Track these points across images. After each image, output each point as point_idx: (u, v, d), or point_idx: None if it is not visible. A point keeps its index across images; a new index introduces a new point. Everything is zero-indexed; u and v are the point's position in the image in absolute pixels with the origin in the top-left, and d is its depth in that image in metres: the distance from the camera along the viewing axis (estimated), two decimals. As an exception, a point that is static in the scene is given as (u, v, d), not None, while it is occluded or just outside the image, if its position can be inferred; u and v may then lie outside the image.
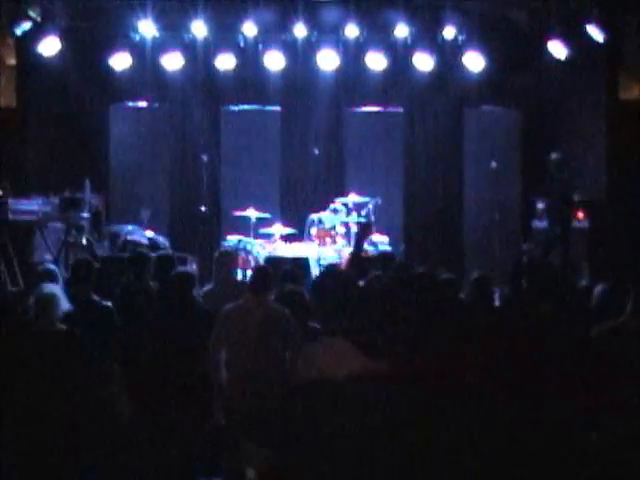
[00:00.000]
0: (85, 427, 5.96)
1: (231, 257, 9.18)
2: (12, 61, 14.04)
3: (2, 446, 5.80)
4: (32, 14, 13.06)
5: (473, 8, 14.31)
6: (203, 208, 14.06)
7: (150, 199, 14.89)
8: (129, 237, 13.34)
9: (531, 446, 5.13)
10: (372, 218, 13.89)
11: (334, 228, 13.64)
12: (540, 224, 13.54)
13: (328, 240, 13.52)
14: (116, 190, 15.21)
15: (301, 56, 14.86)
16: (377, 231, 13.87)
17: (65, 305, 6.67)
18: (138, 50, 14.49)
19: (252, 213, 13.69)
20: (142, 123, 15.45)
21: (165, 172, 15.46)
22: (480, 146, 15.41)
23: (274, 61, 14.69)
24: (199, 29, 14.29)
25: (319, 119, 15.42)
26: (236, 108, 15.56)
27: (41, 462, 5.85)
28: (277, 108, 15.55)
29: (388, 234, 14.05)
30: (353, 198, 13.95)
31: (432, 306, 5.99)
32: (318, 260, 12.94)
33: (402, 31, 14.42)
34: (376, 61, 14.70)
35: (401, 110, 15.66)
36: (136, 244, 13.02)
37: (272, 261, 11.66)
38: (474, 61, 14.54)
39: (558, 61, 14.05)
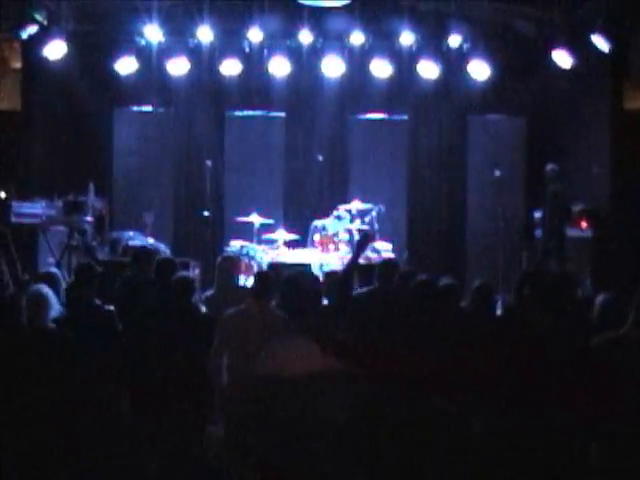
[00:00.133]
0: (75, 427, 5.95)
1: (233, 262, 9.17)
2: (18, 64, 14.05)
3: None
4: (38, 18, 13.07)
5: (478, 16, 14.31)
6: (206, 213, 14.06)
7: (154, 203, 14.89)
8: (130, 242, 13.35)
9: (530, 456, 5.12)
10: (375, 225, 13.91)
11: (337, 235, 13.64)
12: (539, 234, 13.57)
13: (331, 247, 13.52)
14: (120, 194, 15.24)
15: (306, 62, 14.89)
16: (381, 238, 13.89)
17: (56, 307, 6.68)
18: (143, 54, 14.51)
19: (255, 219, 13.70)
20: (147, 127, 15.50)
21: (169, 177, 15.49)
22: (484, 154, 15.42)
23: (279, 67, 14.71)
24: (205, 34, 14.31)
25: (323, 125, 15.44)
26: (241, 113, 15.60)
27: (33, 461, 5.86)
28: (282, 114, 15.58)
29: (392, 241, 14.05)
30: (357, 205, 13.95)
31: (432, 313, 5.99)
32: (321, 266, 12.93)
33: (407, 39, 14.44)
34: (381, 68, 14.72)
35: (406, 117, 15.69)
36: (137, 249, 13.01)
37: (274, 267, 11.64)
38: (479, 69, 14.55)
39: (563, 70, 14.05)
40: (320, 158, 14.59)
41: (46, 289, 6.67)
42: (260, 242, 13.65)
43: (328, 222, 13.76)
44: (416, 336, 6.00)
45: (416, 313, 6.14)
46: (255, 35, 14.34)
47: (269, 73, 14.84)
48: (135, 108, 15.47)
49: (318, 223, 13.82)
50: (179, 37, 14.52)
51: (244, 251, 13.33)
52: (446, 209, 15.54)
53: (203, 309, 7.97)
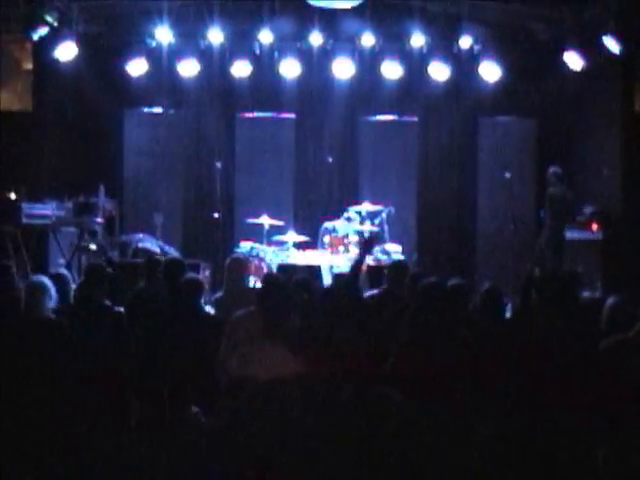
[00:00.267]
0: (76, 421, 5.97)
1: (242, 264, 9.17)
2: (29, 65, 14.12)
3: None
4: (49, 19, 13.09)
5: (489, 18, 14.29)
6: (216, 215, 14.07)
7: (164, 205, 14.92)
8: (140, 245, 13.36)
9: (538, 458, 5.11)
10: (385, 227, 13.90)
11: (347, 236, 13.62)
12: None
13: (341, 248, 13.50)
14: (130, 195, 15.26)
15: (317, 64, 14.87)
16: (391, 240, 13.88)
17: (54, 298, 6.72)
18: (154, 56, 14.52)
19: (266, 220, 13.68)
20: (157, 129, 15.51)
21: (179, 178, 15.50)
22: (495, 156, 15.40)
23: (290, 69, 14.71)
24: (215, 36, 14.32)
25: (334, 127, 15.44)
26: (251, 115, 15.60)
27: (32, 453, 5.87)
28: (292, 116, 15.58)
29: (401, 243, 14.03)
30: (367, 207, 13.93)
31: (440, 315, 5.97)
32: (330, 268, 12.93)
33: (418, 40, 14.41)
34: (391, 70, 14.69)
35: (416, 119, 15.67)
36: (147, 252, 13.04)
37: (284, 269, 11.65)
38: (490, 71, 14.52)
39: (574, 72, 14.01)
40: (330, 160, 14.58)
41: (45, 279, 6.72)
42: (270, 243, 13.64)
43: (338, 224, 13.75)
44: (424, 338, 5.99)
45: (424, 315, 6.13)
46: (265, 37, 14.34)
47: (279, 75, 14.84)
48: (145, 109, 15.50)
49: (328, 225, 13.80)
50: (190, 39, 14.52)
51: (254, 252, 13.32)
52: (456, 211, 15.51)
53: (212, 311, 7.98)
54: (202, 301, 7.57)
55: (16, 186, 12.38)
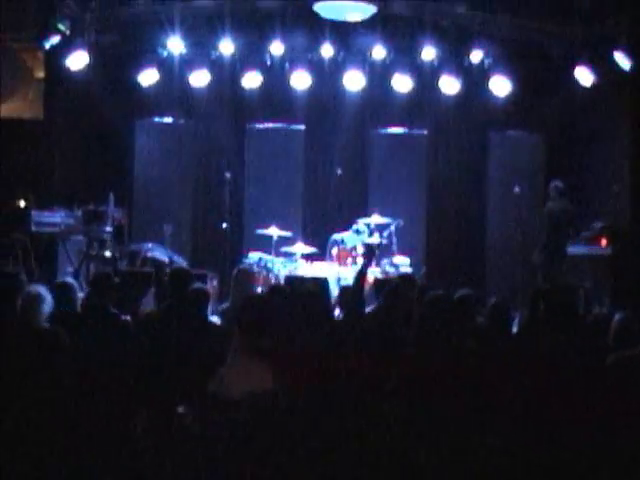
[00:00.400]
0: (75, 430, 5.96)
1: (249, 274, 9.18)
2: (41, 74, 14.15)
3: None
4: (61, 28, 13.14)
5: (500, 33, 14.30)
6: (225, 225, 14.09)
7: (173, 215, 14.94)
8: (149, 254, 13.38)
9: (544, 473, 5.10)
10: (393, 239, 13.89)
11: (355, 248, 13.61)
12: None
13: (349, 260, 13.50)
14: (139, 205, 15.27)
15: (327, 76, 14.91)
16: (399, 253, 13.87)
17: (50, 306, 6.73)
18: (165, 66, 14.57)
19: (274, 231, 13.69)
20: (167, 139, 15.54)
21: (189, 188, 15.52)
22: (504, 170, 15.38)
23: (300, 80, 14.74)
24: (226, 47, 14.36)
25: (343, 139, 15.45)
26: (261, 126, 15.62)
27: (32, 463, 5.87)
28: (302, 127, 15.61)
29: (410, 256, 14.02)
30: (376, 219, 13.93)
31: (446, 328, 5.97)
32: (338, 280, 12.91)
33: (429, 54, 14.43)
34: (402, 83, 14.72)
35: (426, 132, 15.68)
36: (156, 261, 13.06)
37: (292, 280, 11.63)
38: (500, 85, 14.53)
39: (584, 87, 14.00)
40: (339, 172, 14.58)
41: (41, 289, 6.73)
42: (278, 254, 13.64)
43: (347, 236, 13.74)
44: (430, 350, 5.99)
45: (431, 327, 6.13)
46: (277, 48, 14.38)
47: (290, 86, 14.88)
48: (156, 119, 15.53)
49: (337, 236, 13.80)
50: (201, 49, 14.57)
51: (262, 263, 13.34)
52: (465, 224, 15.50)
53: (218, 321, 7.97)
54: (209, 311, 7.56)
55: (25, 194, 12.41)
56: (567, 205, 13.13)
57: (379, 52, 14.49)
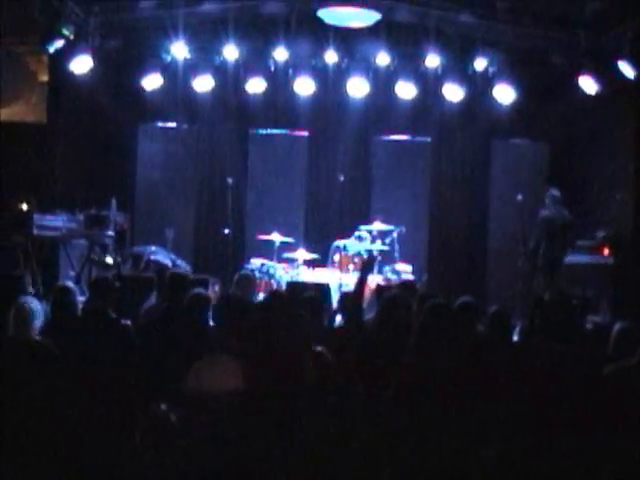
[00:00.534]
0: (67, 443, 5.96)
1: (250, 280, 9.17)
2: (44, 78, 14.17)
3: None
4: (66, 32, 13.14)
5: (504, 41, 14.29)
6: (227, 230, 14.09)
7: (175, 219, 14.93)
8: (152, 257, 13.38)
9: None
10: (396, 246, 13.88)
11: (357, 255, 13.62)
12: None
13: (350, 267, 13.50)
14: (142, 209, 15.28)
15: (331, 82, 14.92)
16: (401, 260, 13.87)
17: (41, 319, 6.73)
18: (169, 71, 14.58)
19: (276, 237, 13.70)
20: (170, 144, 15.54)
21: (191, 193, 15.52)
22: (507, 178, 15.36)
23: (304, 86, 14.76)
24: (230, 52, 14.37)
25: (347, 146, 15.47)
26: (264, 132, 15.63)
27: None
28: (305, 133, 15.62)
29: (412, 263, 14.01)
30: (378, 226, 13.93)
31: (446, 337, 5.96)
32: (339, 286, 12.91)
33: (433, 61, 14.42)
34: (406, 90, 14.73)
35: (429, 140, 15.67)
36: (159, 265, 13.06)
37: (293, 286, 11.63)
38: (504, 93, 14.53)
39: (588, 96, 13.99)
40: (341, 178, 14.58)
41: (32, 302, 6.73)
42: (280, 260, 13.65)
43: (349, 242, 13.75)
44: (430, 358, 5.97)
45: (430, 335, 6.11)
46: (281, 54, 14.39)
47: (294, 92, 14.89)
48: (159, 124, 15.54)
49: (339, 243, 13.81)
50: (205, 54, 14.59)
51: (264, 269, 13.34)
52: (468, 232, 15.50)
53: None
54: (208, 316, 7.54)
55: (28, 197, 12.41)
56: (563, 213, 13.12)
57: (383, 59, 14.50)
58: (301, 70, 14.70)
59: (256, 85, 14.74)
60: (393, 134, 15.64)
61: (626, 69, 13.05)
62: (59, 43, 13.19)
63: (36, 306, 6.68)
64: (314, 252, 13.84)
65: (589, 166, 14.74)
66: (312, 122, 15.47)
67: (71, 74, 13.80)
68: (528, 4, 13.65)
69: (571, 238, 13.15)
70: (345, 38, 14.46)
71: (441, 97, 14.81)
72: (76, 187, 14.27)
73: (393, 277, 13.31)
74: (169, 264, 13.26)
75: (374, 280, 12.46)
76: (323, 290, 11.95)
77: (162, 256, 13.54)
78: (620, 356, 6.03)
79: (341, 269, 13.48)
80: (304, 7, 13.95)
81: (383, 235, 13.96)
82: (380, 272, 13.43)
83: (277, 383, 5.26)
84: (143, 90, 14.61)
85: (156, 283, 9.31)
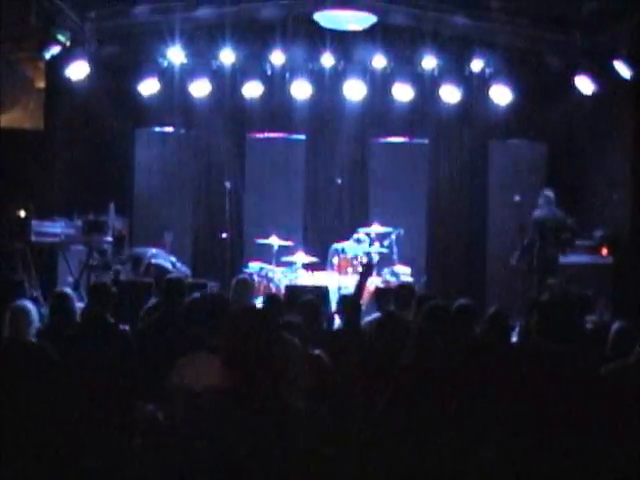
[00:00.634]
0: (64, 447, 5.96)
1: (248, 284, 9.17)
2: (41, 84, 14.15)
3: None
4: (62, 38, 13.14)
5: (501, 42, 14.31)
6: (225, 234, 14.10)
7: (173, 224, 14.92)
8: (153, 261, 13.38)
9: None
10: (394, 248, 13.89)
11: (356, 258, 13.62)
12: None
13: (349, 270, 13.51)
14: (140, 214, 15.27)
15: (328, 86, 14.94)
16: (400, 262, 13.87)
17: (37, 322, 6.74)
18: (166, 76, 14.60)
19: (275, 241, 13.71)
20: (168, 148, 15.54)
21: (189, 198, 15.52)
22: (505, 179, 15.37)
23: (301, 90, 14.77)
24: (227, 57, 14.39)
25: (344, 149, 15.49)
26: (261, 136, 15.63)
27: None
28: (302, 137, 15.62)
29: (411, 265, 14.01)
30: (376, 228, 13.94)
31: (444, 338, 5.95)
32: (338, 289, 12.91)
33: (429, 63, 14.45)
34: (403, 92, 14.75)
35: (427, 142, 15.68)
36: (160, 268, 13.06)
37: (292, 289, 11.63)
38: (501, 94, 14.56)
39: (585, 96, 14.00)
40: (339, 181, 14.58)
41: (28, 304, 6.73)
42: (279, 264, 13.65)
43: (347, 245, 13.76)
44: (428, 361, 5.97)
45: (429, 337, 6.10)
46: (277, 58, 14.41)
47: (290, 95, 14.90)
48: (157, 129, 15.53)
49: (337, 246, 13.81)
50: (201, 59, 14.59)
51: (263, 273, 13.34)
52: (466, 233, 15.52)
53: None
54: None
55: (25, 203, 12.40)
56: (556, 213, 13.15)
57: (379, 61, 14.51)
58: (298, 73, 14.71)
59: (253, 89, 14.76)
60: (390, 136, 15.65)
61: (622, 69, 13.07)
62: (55, 49, 13.20)
63: (32, 309, 6.68)
64: (313, 255, 13.84)
65: (587, 166, 14.76)
66: (309, 125, 15.48)
67: (68, 80, 13.81)
68: (524, 5, 13.66)
69: (566, 238, 13.15)
70: (341, 41, 14.48)
71: (438, 99, 14.84)
72: (74, 193, 14.26)
73: (392, 279, 13.31)
74: (170, 268, 13.25)
75: (373, 282, 12.46)
76: (322, 293, 11.97)
77: (162, 259, 13.55)
78: (618, 355, 6.03)
79: (340, 272, 13.48)
80: (300, 11, 13.97)
81: (382, 237, 13.97)
82: (379, 274, 13.43)
83: (255, 381, 5.26)
84: (140, 95, 14.63)
85: (154, 288, 9.31)
